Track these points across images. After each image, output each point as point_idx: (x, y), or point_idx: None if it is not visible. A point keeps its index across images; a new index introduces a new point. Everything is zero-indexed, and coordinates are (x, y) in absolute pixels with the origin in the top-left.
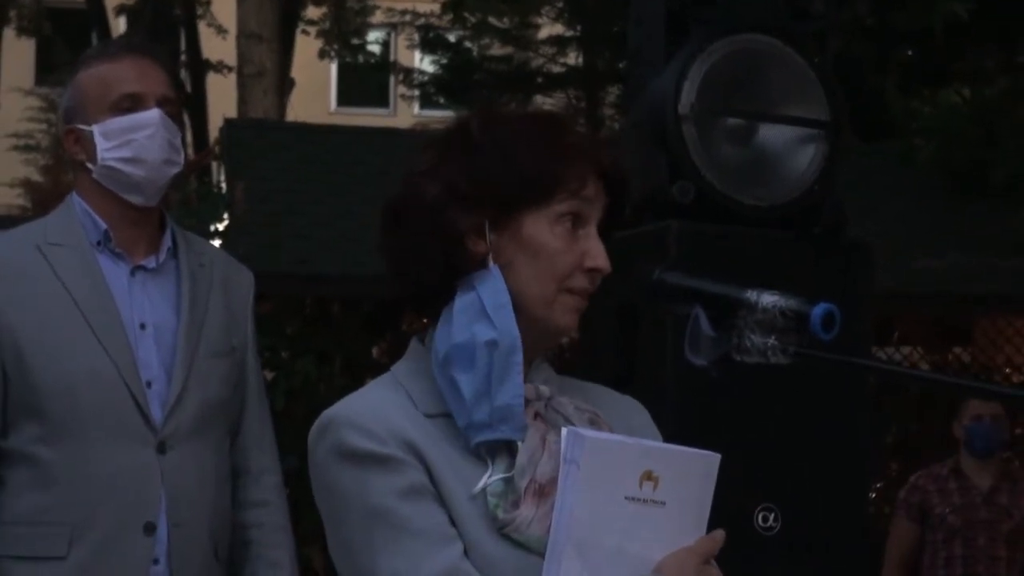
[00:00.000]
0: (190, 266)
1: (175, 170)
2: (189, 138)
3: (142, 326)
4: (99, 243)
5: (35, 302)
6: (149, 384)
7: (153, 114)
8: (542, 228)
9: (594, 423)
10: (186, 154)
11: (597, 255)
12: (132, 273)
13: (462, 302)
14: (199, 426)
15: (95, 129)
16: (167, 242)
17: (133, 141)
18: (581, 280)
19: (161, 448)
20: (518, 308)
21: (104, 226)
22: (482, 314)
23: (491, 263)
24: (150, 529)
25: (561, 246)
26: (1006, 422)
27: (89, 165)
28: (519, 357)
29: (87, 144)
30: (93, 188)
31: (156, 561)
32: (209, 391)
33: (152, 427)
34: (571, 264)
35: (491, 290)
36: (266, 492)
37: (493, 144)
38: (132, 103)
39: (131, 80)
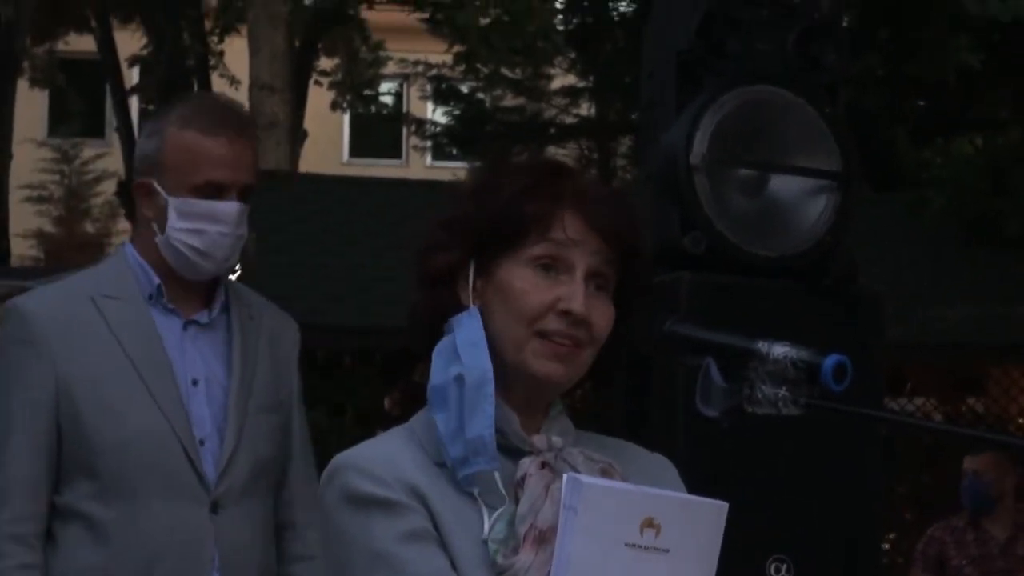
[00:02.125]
0: (240, 320)
1: (236, 260)
2: None
3: (194, 382)
4: (151, 297)
5: (89, 357)
6: (202, 442)
7: (231, 208)
8: (514, 271)
9: (607, 474)
10: None
11: (572, 298)
12: (184, 328)
13: (441, 345)
14: (250, 484)
15: (171, 201)
16: (220, 296)
17: (205, 233)
18: (554, 323)
19: (214, 508)
20: (498, 353)
21: (157, 281)
22: (456, 354)
23: (471, 304)
24: None
25: (528, 288)
26: (995, 474)
27: (155, 227)
28: (489, 389)
29: (159, 208)
30: (152, 245)
31: None
32: (259, 449)
33: (206, 486)
34: (540, 306)
35: (466, 329)
36: (311, 547)
37: (475, 189)
38: (215, 191)
39: (221, 166)
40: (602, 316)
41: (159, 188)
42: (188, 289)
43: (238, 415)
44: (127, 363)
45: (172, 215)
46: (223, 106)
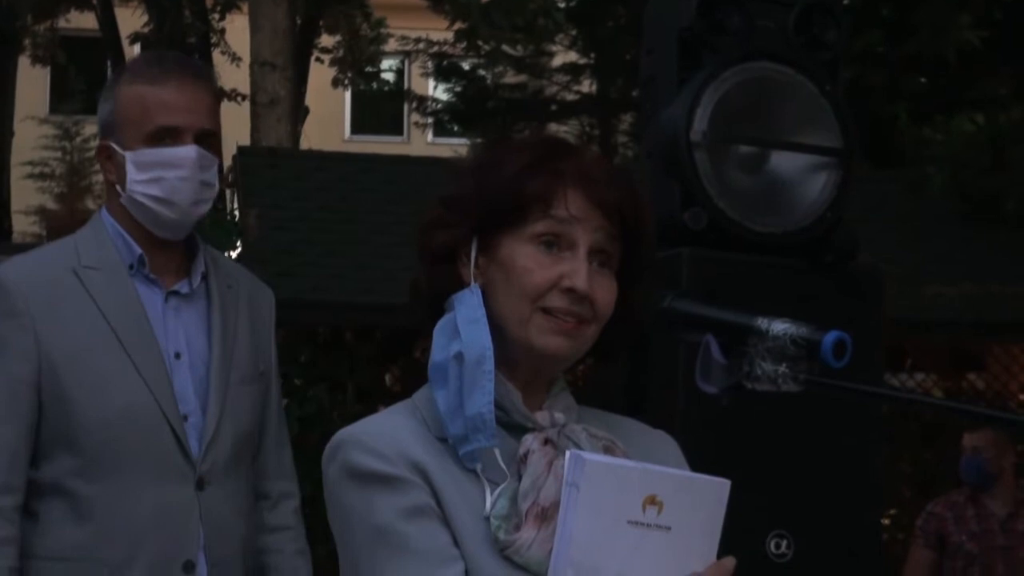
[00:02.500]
0: (220, 290)
1: (205, 208)
2: None
3: (177, 355)
4: (132, 267)
5: (73, 329)
6: (186, 417)
7: (189, 152)
8: (517, 248)
9: (609, 451)
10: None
11: (574, 275)
12: (166, 299)
13: (442, 323)
14: (233, 459)
15: (128, 156)
16: (200, 266)
17: (163, 180)
18: (558, 300)
19: (199, 484)
20: (501, 329)
21: (139, 251)
22: (457, 331)
23: (472, 282)
24: (189, 568)
25: (532, 265)
26: (994, 451)
27: (118, 188)
28: (489, 366)
29: (119, 167)
30: (123, 211)
31: None
32: (241, 423)
33: (191, 463)
34: (543, 283)
35: (466, 306)
36: (285, 517)
37: (477, 166)
38: (169, 136)
39: (171, 110)
40: (605, 293)
41: (116, 147)
42: (168, 257)
43: (220, 389)
44: (112, 336)
45: (130, 169)
46: (172, 56)
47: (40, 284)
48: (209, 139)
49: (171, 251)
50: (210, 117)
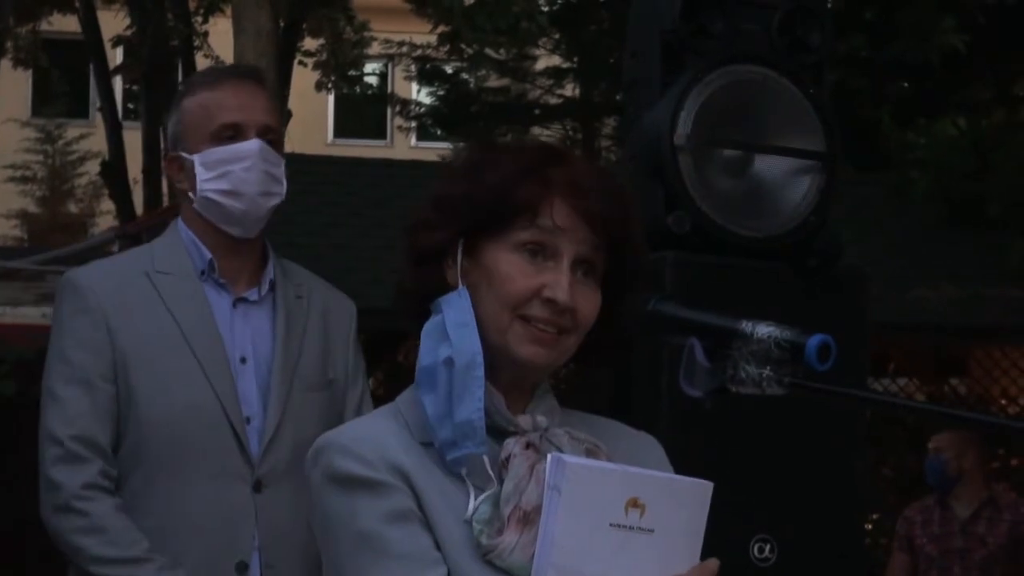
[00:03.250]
0: (287, 298)
1: (275, 201)
2: None
3: (243, 360)
4: (203, 272)
5: (144, 331)
6: (248, 420)
7: (252, 145)
8: (500, 255)
9: (592, 454)
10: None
11: (556, 286)
12: (234, 305)
13: (429, 325)
14: (295, 464)
15: (195, 159)
16: (269, 274)
17: (230, 173)
18: (538, 309)
19: (257, 487)
20: (483, 335)
21: (209, 256)
22: (445, 334)
23: (459, 285)
24: (242, 568)
25: (513, 273)
26: (954, 452)
27: (191, 195)
28: (479, 372)
29: (189, 173)
30: (195, 217)
31: None
32: (304, 428)
33: (250, 464)
34: (524, 292)
35: (455, 310)
36: None
37: (464, 171)
38: (233, 133)
39: (232, 109)
40: (587, 303)
41: (184, 154)
42: (239, 264)
43: (281, 394)
44: (180, 338)
45: (199, 170)
46: (228, 66)
47: (112, 285)
48: (271, 135)
49: (242, 257)
50: (269, 115)
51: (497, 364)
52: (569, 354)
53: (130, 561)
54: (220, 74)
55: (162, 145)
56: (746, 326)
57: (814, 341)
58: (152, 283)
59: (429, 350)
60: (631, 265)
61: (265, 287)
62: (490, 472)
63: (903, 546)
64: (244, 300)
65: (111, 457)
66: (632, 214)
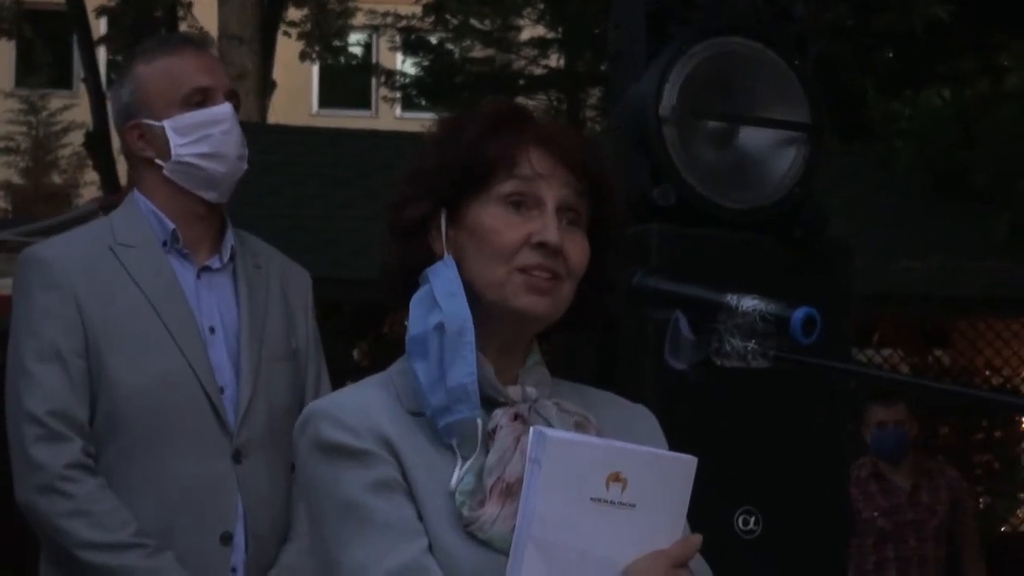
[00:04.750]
0: (246, 268)
1: (244, 166)
2: None
3: (211, 329)
4: (165, 243)
5: (112, 304)
6: (222, 389)
7: (226, 108)
8: (483, 211)
9: (581, 427)
10: None
11: (544, 230)
12: (198, 275)
13: (418, 296)
14: (269, 433)
15: (166, 124)
16: (230, 240)
17: (209, 136)
18: (530, 257)
19: (236, 457)
20: (478, 297)
21: (172, 226)
22: (434, 303)
23: (445, 254)
24: (227, 539)
25: (500, 225)
26: (911, 425)
27: (159, 162)
28: (469, 337)
29: (156, 140)
30: (160, 186)
31: (234, 570)
32: (275, 397)
33: (228, 434)
34: (515, 242)
35: (442, 279)
36: None
37: (438, 139)
38: (203, 97)
39: (199, 73)
40: (577, 249)
41: (149, 121)
42: (201, 232)
43: (252, 362)
44: (149, 310)
45: (172, 136)
46: (179, 33)
47: (78, 260)
48: (235, 99)
49: (203, 226)
50: (230, 80)
51: (491, 327)
52: (565, 305)
53: (117, 546)
54: (176, 41)
55: (111, 114)
56: (731, 299)
57: (799, 314)
58: (116, 256)
59: (419, 319)
60: (613, 213)
61: (227, 254)
62: (479, 437)
63: None
64: (207, 269)
65: (88, 434)
66: (608, 165)
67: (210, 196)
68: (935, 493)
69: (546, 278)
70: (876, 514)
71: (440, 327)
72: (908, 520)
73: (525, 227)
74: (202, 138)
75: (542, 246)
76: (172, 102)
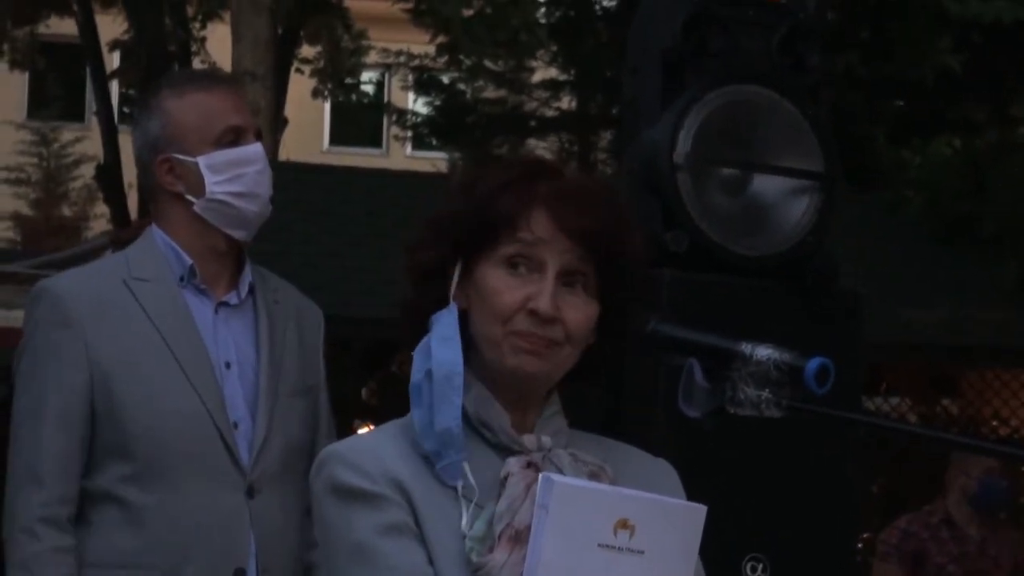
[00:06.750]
0: (266, 303)
1: (271, 206)
2: None
3: (227, 365)
4: (182, 279)
5: (124, 339)
6: (236, 425)
7: (258, 148)
8: (488, 270)
9: (595, 476)
10: None
11: (538, 297)
12: (216, 310)
13: (420, 344)
14: (284, 469)
15: (200, 161)
16: (248, 277)
17: (243, 176)
18: (524, 323)
19: (250, 492)
20: (479, 352)
21: (189, 262)
22: (431, 350)
23: (451, 301)
24: (240, 574)
25: (499, 287)
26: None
27: (189, 197)
28: (458, 382)
29: (188, 175)
30: (184, 221)
31: None
32: (291, 432)
33: (241, 470)
34: (511, 306)
35: (441, 325)
36: None
37: (460, 187)
38: (235, 136)
39: (233, 112)
40: (576, 313)
41: (182, 157)
42: (219, 269)
43: (269, 398)
44: (163, 345)
45: (206, 174)
46: (205, 70)
47: (91, 294)
48: (261, 139)
49: (222, 262)
50: (256, 119)
51: (498, 380)
52: (565, 366)
53: None
54: (207, 78)
55: (134, 147)
56: (745, 348)
57: (813, 364)
58: (130, 290)
59: (418, 367)
60: (625, 277)
61: (244, 291)
62: (472, 482)
63: (905, 560)
64: (225, 304)
65: (74, 498)
66: (624, 226)
67: (239, 235)
68: (1001, 547)
69: (541, 345)
70: (947, 560)
71: (428, 373)
72: (978, 569)
73: (523, 290)
74: (236, 177)
75: (534, 313)
76: (205, 139)
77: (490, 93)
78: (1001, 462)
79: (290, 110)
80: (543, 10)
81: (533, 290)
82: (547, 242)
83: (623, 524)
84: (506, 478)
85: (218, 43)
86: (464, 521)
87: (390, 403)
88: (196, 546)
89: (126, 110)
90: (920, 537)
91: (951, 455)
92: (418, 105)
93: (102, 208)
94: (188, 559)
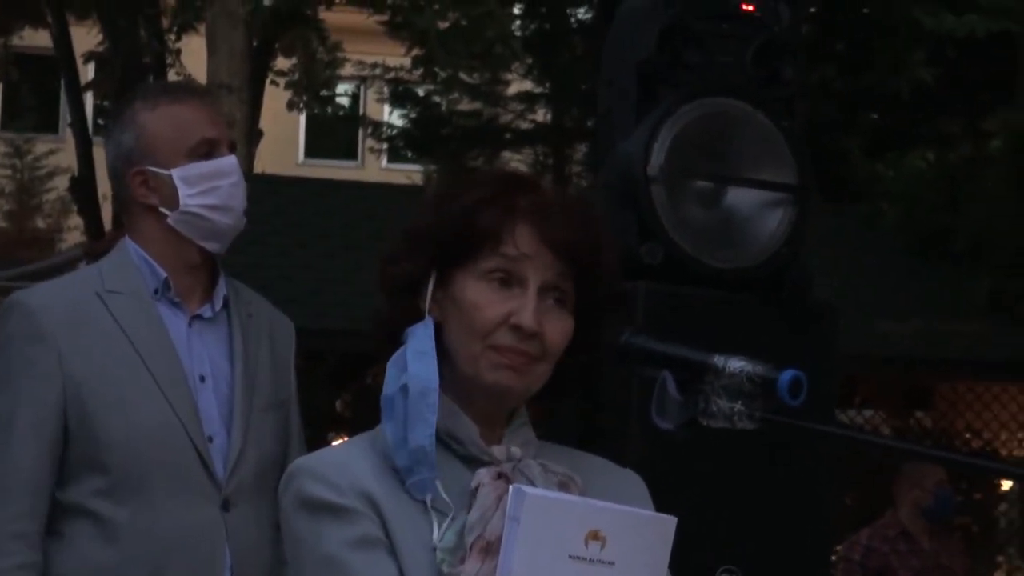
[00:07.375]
0: (240, 317)
1: (245, 219)
2: None
3: (202, 378)
4: (156, 291)
5: (98, 352)
6: (211, 439)
7: (233, 161)
8: (468, 284)
9: (565, 487)
10: None
11: (521, 312)
12: (190, 323)
13: (395, 356)
14: (258, 483)
15: (174, 174)
16: (222, 290)
17: (218, 188)
18: (505, 337)
19: (225, 506)
20: (454, 366)
21: (164, 274)
22: (406, 364)
23: (426, 315)
24: None
25: (481, 301)
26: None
27: (163, 210)
28: (432, 399)
29: (162, 188)
30: (157, 233)
31: None
32: (265, 446)
33: (216, 484)
34: (492, 320)
35: (417, 339)
36: None
37: (433, 201)
38: (209, 148)
39: (206, 124)
40: (556, 329)
41: (155, 169)
42: (193, 282)
43: (244, 412)
44: (136, 358)
45: (180, 186)
46: (179, 82)
47: (64, 307)
48: (235, 151)
49: (196, 275)
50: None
51: (471, 394)
52: (541, 381)
53: None
54: (181, 90)
55: (107, 159)
56: (718, 360)
57: (786, 376)
58: (104, 303)
59: (392, 380)
60: (602, 292)
61: (219, 304)
62: (445, 498)
63: (867, 574)
64: (199, 318)
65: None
66: (602, 240)
67: (212, 247)
68: (952, 556)
69: (520, 359)
70: (909, 573)
71: (404, 388)
72: None
73: (505, 305)
74: (210, 189)
75: (517, 328)
76: (178, 151)
77: (465, 105)
78: (950, 473)
79: (265, 122)
80: (518, 23)
81: (515, 305)
82: (531, 257)
83: (594, 535)
84: (477, 489)
85: (193, 55)
86: (435, 533)
87: (364, 415)
88: (171, 560)
89: (100, 122)
90: (882, 552)
91: (902, 467)
92: (393, 117)
93: (76, 220)
94: (163, 573)
